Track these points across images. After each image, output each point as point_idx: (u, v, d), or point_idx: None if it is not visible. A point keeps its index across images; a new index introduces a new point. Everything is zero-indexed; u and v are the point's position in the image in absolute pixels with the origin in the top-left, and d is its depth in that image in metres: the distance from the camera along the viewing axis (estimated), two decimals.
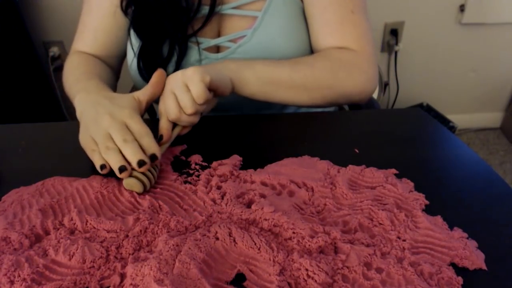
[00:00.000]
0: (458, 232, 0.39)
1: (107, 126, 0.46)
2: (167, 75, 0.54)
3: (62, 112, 1.68)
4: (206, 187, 0.45)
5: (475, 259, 0.36)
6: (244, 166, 0.50)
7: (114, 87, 0.74)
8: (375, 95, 1.83)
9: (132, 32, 0.66)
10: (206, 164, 0.50)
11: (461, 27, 1.73)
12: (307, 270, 0.33)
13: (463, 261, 0.36)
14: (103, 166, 0.44)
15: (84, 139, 0.48)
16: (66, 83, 0.65)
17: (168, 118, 0.51)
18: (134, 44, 0.67)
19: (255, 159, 0.50)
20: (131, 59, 0.68)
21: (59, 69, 1.65)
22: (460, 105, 1.98)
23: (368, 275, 0.34)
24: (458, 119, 1.87)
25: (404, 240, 0.38)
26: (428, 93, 1.89)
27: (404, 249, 0.37)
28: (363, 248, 0.36)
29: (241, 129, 0.59)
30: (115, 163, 0.43)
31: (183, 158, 0.51)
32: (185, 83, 0.50)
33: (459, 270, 0.36)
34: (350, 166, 0.49)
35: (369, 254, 0.36)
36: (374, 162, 0.49)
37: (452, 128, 1.72)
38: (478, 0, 1.64)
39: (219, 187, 0.45)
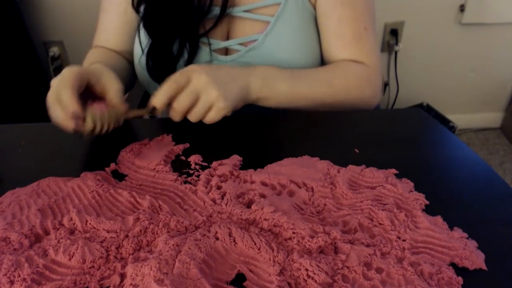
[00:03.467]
0: (458, 232, 0.39)
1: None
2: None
3: None
4: (206, 187, 0.45)
5: (475, 259, 0.36)
6: (244, 166, 0.50)
7: (130, 79, 0.75)
8: None
9: (141, 29, 0.67)
10: (206, 164, 0.50)
11: (461, 27, 1.73)
12: (307, 270, 0.33)
13: (463, 261, 0.36)
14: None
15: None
16: None
17: (167, 95, 0.51)
18: (142, 41, 0.67)
19: (255, 159, 0.50)
20: (139, 56, 0.68)
21: (59, 69, 1.65)
22: (460, 105, 1.98)
23: (368, 275, 0.34)
24: (458, 119, 1.87)
25: (404, 240, 0.38)
26: (428, 93, 1.89)
27: (404, 249, 0.37)
28: (363, 248, 0.36)
29: (241, 129, 0.59)
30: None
31: (183, 158, 0.51)
32: (210, 102, 0.52)
33: (459, 270, 0.36)
34: (350, 166, 0.49)
35: (369, 254, 0.36)
36: (374, 162, 0.49)
37: (452, 128, 1.72)
38: (478, 0, 1.64)
39: (219, 187, 0.45)
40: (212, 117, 0.53)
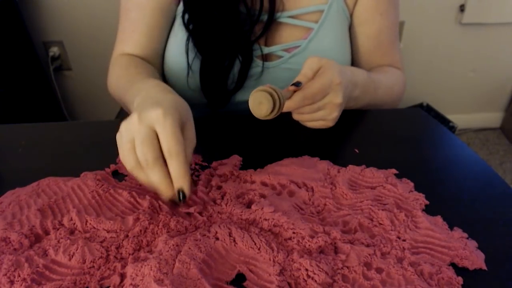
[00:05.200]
0: (458, 232, 0.39)
1: (132, 132, 0.38)
2: (228, 86, 0.59)
3: (62, 112, 1.68)
4: (206, 187, 0.45)
5: (475, 259, 0.36)
6: (244, 166, 0.50)
7: None
8: None
9: (190, 45, 0.64)
10: (206, 164, 0.50)
11: (461, 27, 1.73)
12: (307, 270, 0.33)
13: (463, 261, 0.36)
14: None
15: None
16: (118, 86, 0.61)
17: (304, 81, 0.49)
18: (179, 61, 0.65)
19: (255, 159, 0.50)
20: (181, 70, 0.65)
21: (59, 69, 1.65)
22: (460, 105, 1.98)
23: (368, 275, 0.34)
24: (458, 119, 1.87)
25: (404, 240, 0.38)
26: (428, 93, 1.89)
27: (404, 249, 0.37)
28: (363, 248, 0.36)
29: (241, 129, 0.59)
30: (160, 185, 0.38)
31: None
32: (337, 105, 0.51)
33: (459, 270, 0.36)
34: (350, 166, 0.49)
35: (369, 254, 0.36)
36: (374, 162, 0.49)
37: (452, 128, 1.72)
38: (478, 0, 1.64)
39: (219, 187, 0.45)
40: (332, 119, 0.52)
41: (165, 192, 0.38)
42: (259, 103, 0.41)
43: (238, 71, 0.64)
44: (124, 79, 0.59)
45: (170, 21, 0.67)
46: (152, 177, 0.38)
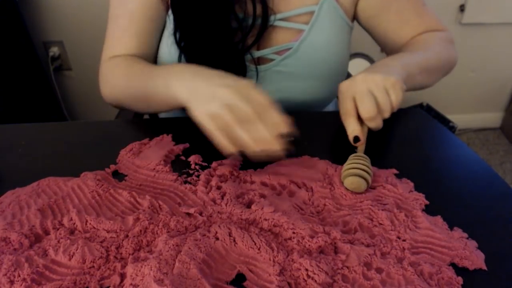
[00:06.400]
0: (458, 232, 0.39)
1: (223, 97, 0.44)
2: None
3: (62, 112, 1.68)
4: (206, 187, 0.45)
5: (475, 259, 0.36)
6: (244, 166, 0.50)
7: None
8: None
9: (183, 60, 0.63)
10: (206, 164, 0.50)
11: (461, 27, 1.73)
12: (307, 270, 0.33)
13: (463, 261, 0.36)
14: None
15: (201, 116, 0.45)
16: (128, 85, 0.60)
17: (355, 118, 0.51)
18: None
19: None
20: None
21: (59, 69, 1.65)
22: (460, 105, 1.98)
23: (368, 275, 0.34)
24: (458, 119, 1.87)
25: (404, 240, 0.38)
26: (428, 93, 1.87)
27: (404, 249, 0.37)
28: (363, 248, 0.36)
29: None
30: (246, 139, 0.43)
31: (183, 158, 0.51)
32: (385, 87, 0.51)
33: (459, 270, 0.36)
34: None
35: (369, 254, 0.36)
36: (374, 162, 0.49)
37: (452, 128, 1.72)
38: (478, 0, 1.64)
39: (219, 187, 0.45)
40: (395, 98, 0.52)
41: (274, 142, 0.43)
42: (357, 187, 0.44)
43: None
44: (134, 73, 0.58)
45: (160, 28, 0.66)
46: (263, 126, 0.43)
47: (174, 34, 0.62)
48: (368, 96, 0.50)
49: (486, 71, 1.87)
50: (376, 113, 0.51)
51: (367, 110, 0.50)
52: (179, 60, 0.64)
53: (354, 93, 0.52)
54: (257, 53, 0.65)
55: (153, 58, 0.69)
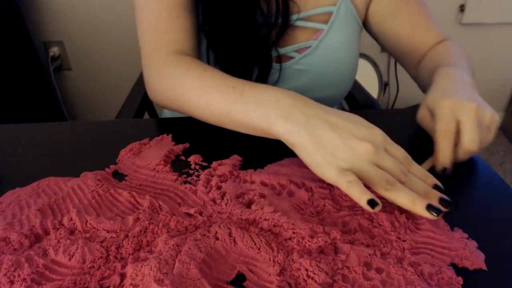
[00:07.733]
0: (458, 233, 0.39)
1: (368, 153, 0.40)
2: None
3: (62, 112, 1.69)
4: (206, 187, 0.45)
5: (475, 259, 0.36)
6: (244, 166, 0.50)
7: None
8: (375, 95, 1.83)
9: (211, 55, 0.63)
10: (206, 164, 0.50)
11: (461, 27, 1.73)
12: (307, 270, 0.33)
13: (463, 261, 0.36)
14: (374, 203, 0.37)
15: (329, 169, 0.40)
16: (189, 95, 0.52)
17: (452, 143, 0.47)
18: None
19: (255, 159, 0.50)
20: None
21: (59, 69, 1.65)
22: None
23: (368, 275, 0.34)
24: None
25: (404, 241, 0.38)
26: None
27: (404, 250, 0.37)
28: (363, 248, 0.36)
29: None
30: (409, 200, 0.39)
31: (183, 158, 0.51)
32: (490, 127, 0.49)
33: (459, 270, 0.36)
34: None
35: (369, 254, 0.36)
36: None
37: None
38: (478, 0, 1.64)
39: (219, 187, 0.45)
40: (490, 138, 0.50)
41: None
42: None
43: (257, 75, 0.65)
44: (212, 86, 0.50)
45: (196, 21, 0.63)
46: (415, 184, 0.41)
47: (203, 27, 0.63)
48: (477, 129, 0.46)
49: (486, 71, 1.87)
50: (478, 147, 0.47)
51: (473, 143, 0.46)
52: (207, 53, 0.63)
53: (461, 118, 0.47)
54: (281, 50, 0.66)
55: (199, 53, 0.65)
